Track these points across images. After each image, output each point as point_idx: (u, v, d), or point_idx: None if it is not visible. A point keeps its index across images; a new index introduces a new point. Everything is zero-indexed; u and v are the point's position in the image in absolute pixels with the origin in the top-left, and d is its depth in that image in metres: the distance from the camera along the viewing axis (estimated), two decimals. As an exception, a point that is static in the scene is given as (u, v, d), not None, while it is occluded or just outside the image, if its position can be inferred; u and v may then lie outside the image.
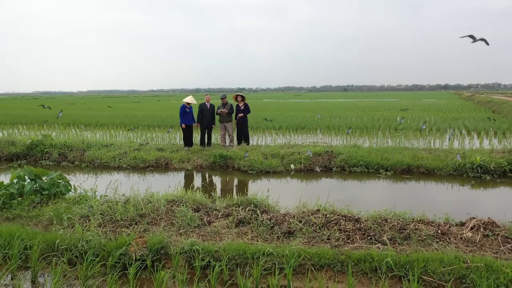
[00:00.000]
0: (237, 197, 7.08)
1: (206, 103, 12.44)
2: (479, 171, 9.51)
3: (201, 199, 6.18)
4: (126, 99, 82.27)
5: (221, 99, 12.67)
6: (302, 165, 10.54)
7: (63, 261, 4.67)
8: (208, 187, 8.87)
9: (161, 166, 11.16)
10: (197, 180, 10.06)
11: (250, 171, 10.31)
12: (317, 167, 10.41)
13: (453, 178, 9.47)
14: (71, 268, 4.65)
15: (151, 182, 9.50)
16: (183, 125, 12.24)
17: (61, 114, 15.48)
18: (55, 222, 5.60)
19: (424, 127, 15.90)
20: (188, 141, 12.46)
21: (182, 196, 6.14)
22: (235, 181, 9.89)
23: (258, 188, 8.83)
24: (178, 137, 15.92)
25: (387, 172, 10.00)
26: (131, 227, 5.42)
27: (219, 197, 6.72)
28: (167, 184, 8.88)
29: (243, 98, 12.87)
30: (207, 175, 10.48)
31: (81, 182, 8.93)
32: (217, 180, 10.07)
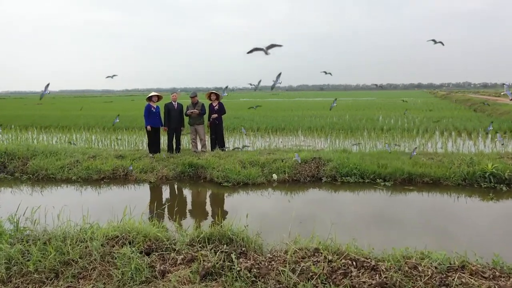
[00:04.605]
0: (205, 224, 5.48)
1: (173, 103, 10.73)
2: (492, 181, 8.19)
3: (155, 233, 4.51)
4: (99, 99, 78.99)
5: (191, 97, 10.97)
6: (287, 174, 8.98)
7: None
8: (169, 208, 7.20)
9: (119, 178, 9.36)
10: (160, 197, 8.32)
11: (225, 183, 8.66)
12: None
13: (463, 189, 8.09)
14: None
15: (100, 202, 7.75)
16: (148, 127, 10.53)
17: None
18: None
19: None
20: (154, 146, 10.73)
21: (129, 231, 4.45)
22: (206, 197, 8.21)
23: (234, 207, 7.23)
24: (145, 141, 14.13)
25: (386, 182, 8.54)
26: (49, 283, 3.72)
27: (181, 227, 5.09)
28: (120, 203, 7.15)
29: (217, 96, 11.20)
30: (175, 187, 8.79)
31: (9, 202, 7.10)
32: (183, 197, 8.37)
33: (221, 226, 4.70)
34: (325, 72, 10.22)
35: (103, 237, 4.32)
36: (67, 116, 25.52)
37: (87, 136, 16.46)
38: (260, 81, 9.35)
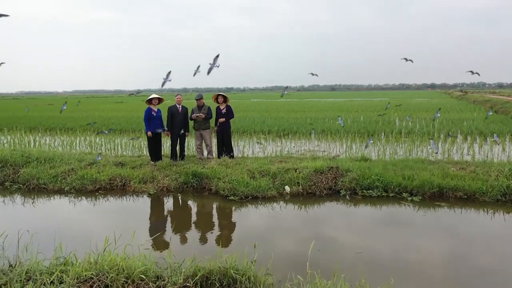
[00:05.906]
0: (206, 250, 4.60)
1: (177, 105, 9.88)
2: (537, 197, 7.17)
3: (139, 272, 3.64)
4: (110, 99, 78.90)
5: (196, 100, 10.10)
6: (301, 187, 8.06)
7: None
8: (165, 229, 6.34)
9: (116, 189, 8.54)
10: (157, 213, 7.44)
11: (232, 197, 7.75)
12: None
13: (504, 206, 7.06)
14: None
15: (87, 219, 6.92)
16: (149, 133, 9.68)
17: None
18: None
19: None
20: (155, 153, 9.88)
21: (108, 270, 3.59)
22: (210, 215, 7.26)
23: (240, 228, 6.32)
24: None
25: (413, 197, 7.56)
26: None
27: (175, 257, 4.21)
28: (110, 222, 6.35)
29: (225, 99, 10.32)
30: (176, 201, 7.92)
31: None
32: (183, 214, 7.47)
33: (224, 260, 3.83)
34: (406, 59, 9.93)
35: (75, 279, 3.47)
36: (74, 117, 24.96)
37: (91, 139, 15.73)
38: (169, 73, 8.31)
